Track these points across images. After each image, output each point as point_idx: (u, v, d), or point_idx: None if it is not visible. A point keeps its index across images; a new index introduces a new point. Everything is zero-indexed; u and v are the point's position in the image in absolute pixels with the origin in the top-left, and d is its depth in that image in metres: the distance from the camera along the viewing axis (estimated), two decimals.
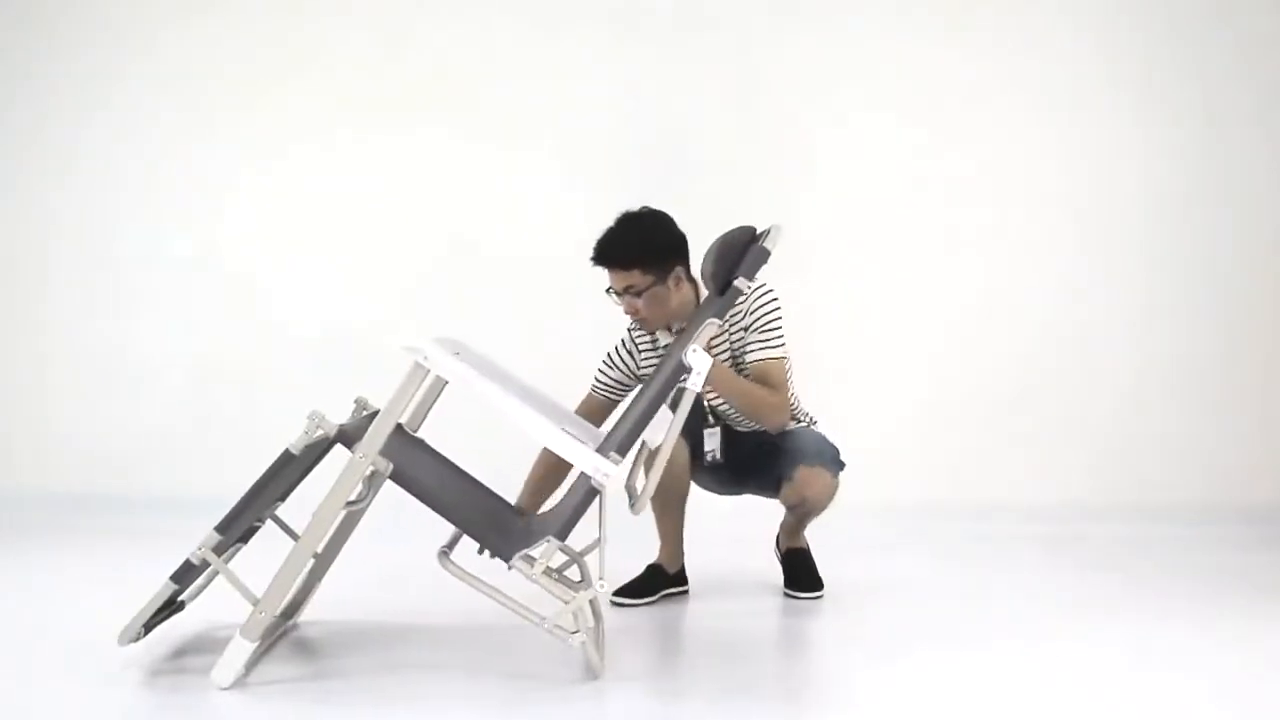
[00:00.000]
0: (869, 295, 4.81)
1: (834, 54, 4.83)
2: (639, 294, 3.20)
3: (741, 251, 2.88)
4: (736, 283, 2.81)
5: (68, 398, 4.75)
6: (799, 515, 3.46)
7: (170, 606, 2.75)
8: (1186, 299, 4.89)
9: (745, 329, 3.26)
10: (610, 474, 2.57)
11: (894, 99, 4.84)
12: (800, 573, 3.51)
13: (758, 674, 2.79)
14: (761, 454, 3.39)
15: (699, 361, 2.70)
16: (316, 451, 2.79)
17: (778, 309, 3.26)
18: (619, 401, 3.45)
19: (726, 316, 3.21)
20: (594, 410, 3.43)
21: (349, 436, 2.66)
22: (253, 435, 4.51)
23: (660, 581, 3.46)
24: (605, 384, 3.44)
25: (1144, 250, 4.88)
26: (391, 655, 2.86)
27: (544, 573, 2.57)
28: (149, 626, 2.65)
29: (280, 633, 2.97)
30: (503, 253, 4.76)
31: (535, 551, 2.59)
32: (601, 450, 2.64)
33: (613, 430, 3.00)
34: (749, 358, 3.26)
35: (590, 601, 2.88)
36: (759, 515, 3.71)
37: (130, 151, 4.74)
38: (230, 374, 4.74)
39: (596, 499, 2.61)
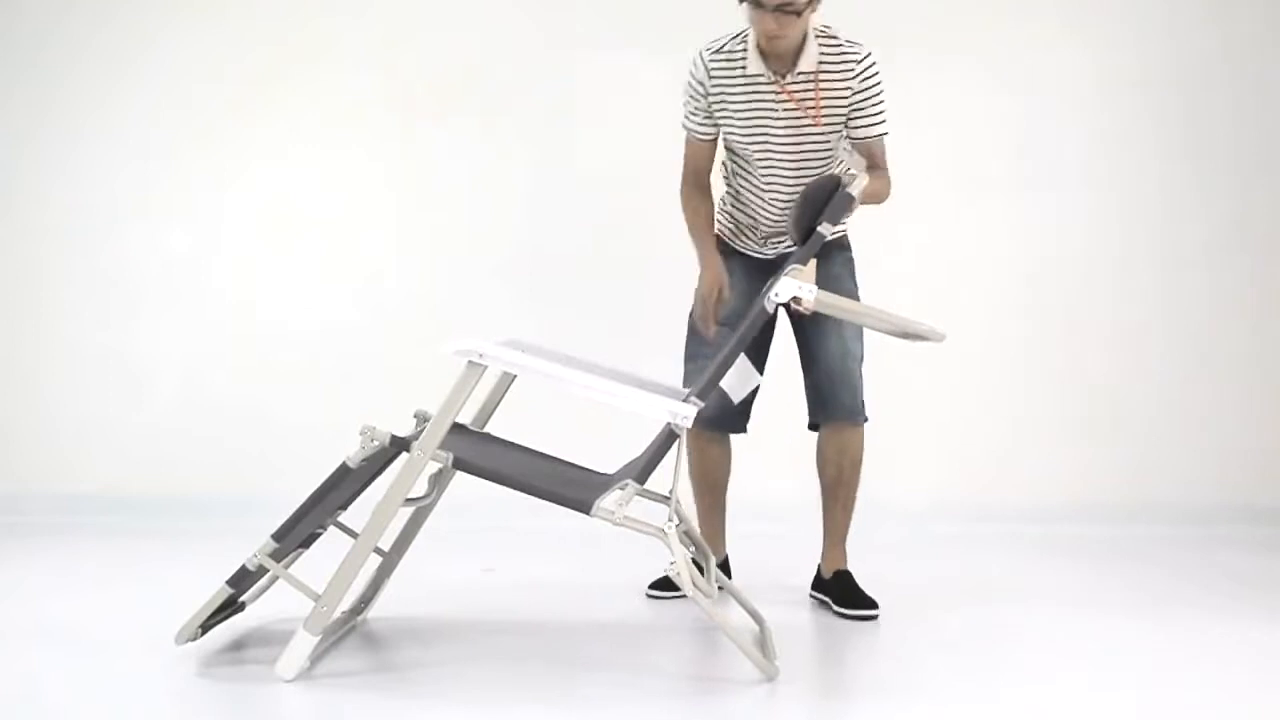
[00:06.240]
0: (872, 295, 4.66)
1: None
2: (796, 14, 3.03)
3: (826, 198, 2.96)
4: (820, 228, 2.91)
5: (67, 397, 4.67)
6: (841, 495, 3.39)
7: (228, 608, 2.82)
8: (1188, 301, 4.81)
9: (854, 91, 3.17)
10: (689, 416, 2.66)
11: (904, 101, 4.74)
12: (850, 592, 3.36)
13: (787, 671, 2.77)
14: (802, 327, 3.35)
15: (785, 288, 2.79)
16: (378, 463, 2.85)
17: (882, 83, 3.20)
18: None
19: (835, 67, 3.15)
20: (703, 156, 3.31)
21: (408, 445, 2.70)
22: (254, 435, 4.62)
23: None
24: (698, 125, 3.29)
25: (1146, 252, 4.80)
26: (453, 650, 2.93)
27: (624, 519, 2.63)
28: (206, 627, 2.74)
29: (349, 627, 3.05)
30: (506, 251, 4.69)
31: (615, 497, 2.66)
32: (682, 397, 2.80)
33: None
34: (858, 130, 3.21)
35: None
36: (791, 514, 3.67)
37: (130, 151, 4.68)
38: (231, 374, 4.67)
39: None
